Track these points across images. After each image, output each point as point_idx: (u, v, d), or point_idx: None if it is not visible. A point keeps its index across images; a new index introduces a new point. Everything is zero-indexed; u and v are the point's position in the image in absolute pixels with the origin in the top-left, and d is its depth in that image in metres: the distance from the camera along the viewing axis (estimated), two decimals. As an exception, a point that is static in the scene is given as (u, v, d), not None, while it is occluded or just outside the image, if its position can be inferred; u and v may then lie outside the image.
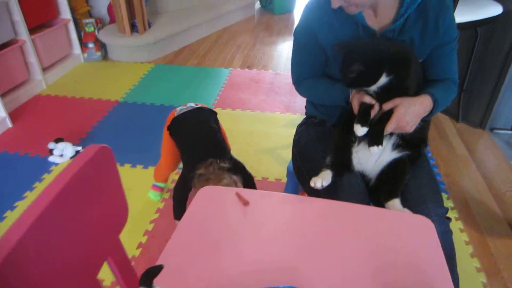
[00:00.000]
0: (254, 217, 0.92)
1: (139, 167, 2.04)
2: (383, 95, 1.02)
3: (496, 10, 1.95)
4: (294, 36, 1.23)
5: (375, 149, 1.01)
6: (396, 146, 1.09)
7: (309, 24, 1.16)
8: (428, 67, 1.15)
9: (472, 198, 1.89)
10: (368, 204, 1.10)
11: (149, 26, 3.34)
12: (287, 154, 1.88)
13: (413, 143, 1.10)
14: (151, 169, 1.99)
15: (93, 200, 0.82)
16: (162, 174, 1.80)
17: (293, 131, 1.37)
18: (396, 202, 1.04)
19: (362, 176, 1.13)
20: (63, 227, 0.72)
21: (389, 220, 0.92)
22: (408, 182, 1.10)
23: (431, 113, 1.07)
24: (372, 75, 1.00)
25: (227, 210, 0.95)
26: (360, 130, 1.01)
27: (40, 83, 2.80)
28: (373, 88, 1.02)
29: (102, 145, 0.84)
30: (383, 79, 1.00)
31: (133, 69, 3.14)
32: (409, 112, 0.99)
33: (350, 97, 1.09)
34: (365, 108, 1.03)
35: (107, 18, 3.60)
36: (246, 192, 0.99)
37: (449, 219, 1.08)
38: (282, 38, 3.86)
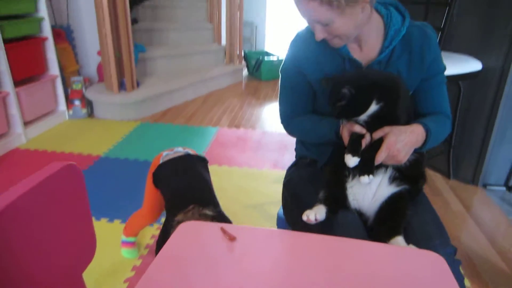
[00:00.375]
0: (241, 253, 0.80)
1: (116, 222, 1.88)
2: (374, 124, 0.98)
3: (476, 66, 2.02)
4: (280, 73, 1.21)
5: (366, 179, 0.95)
6: (392, 180, 1.01)
7: (295, 59, 1.14)
8: (418, 101, 1.13)
9: (476, 255, 1.76)
10: (367, 242, 0.99)
11: (137, 85, 3.36)
12: (275, 210, 1.76)
13: (410, 177, 1.03)
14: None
15: (52, 222, 0.70)
16: (138, 224, 1.63)
17: (282, 187, 1.28)
18: (399, 240, 0.93)
19: (359, 214, 1.03)
20: (10, 249, 0.60)
21: (394, 256, 0.81)
22: (409, 219, 1.00)
23: (425, 144, 1.01)
24: (362, 103, 0.96)
25: (211, 246, 0.82)
26: (351, 161, 0.95)
27: (20, 136, 2.70)
28: (363, 117, 0.98)
29: (69, 162, 0.74)
30: (373, 107, 0.96)
31: (119, 126, 3.09)
32: (400, 139, 0.94)
33: (340, 129, 1.03)
34: (356, 138, 0.97)
35: (95, 77, 3.63)
36: (232, 227, 0.88)
37: (459, 261, 0.97)
38: (269, 101, 3.93)
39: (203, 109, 3.59)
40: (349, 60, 1.08)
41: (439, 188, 2.33)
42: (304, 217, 0.94)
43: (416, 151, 1.02)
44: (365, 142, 0.97)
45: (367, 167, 0.95)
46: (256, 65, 4.76)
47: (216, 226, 0.88)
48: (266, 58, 4.76)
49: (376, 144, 0.95)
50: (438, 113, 1.11)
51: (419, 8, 2.04)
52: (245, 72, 4.99)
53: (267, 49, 5.73)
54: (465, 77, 2.00)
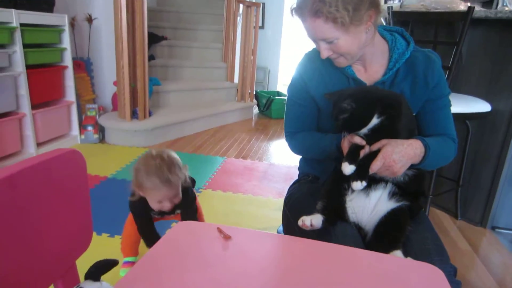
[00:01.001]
0: (235, 252, 0.80)
1: (117, 237, 1.88)
2: (374, 138, 1.00)
3: (485, 107, 2.03)
4: (287, 91, 1.26)
5: (358, 184, 0.95)
6: (392, 195, 1.02)
7: (301, 78, 1.19)
8: (422, 123, 1.14)
9: (482, 294, 1.69)
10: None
11: (150, 115, 3.45)
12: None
13: (410, 194, 1.03)
14: (128, 240, 1.84)
15: (50, 204, 0.71)
16: (131, 237, 1.62)
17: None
18: (397, 253, 0.93)
19: (358, 228, 1.03)
20: (8, 224, 0.61)
21: (390, 265, 0.79)
22: (409, 235, 0.99)
23: (424, 160, 1.01)
24: (364, 116, 0.99)
25: (205, 244, 0.82)
26: (348, 168, 0.96)
27: (32, 156, 2.75)
28: (364, 131, 1.00)
29: (73, 149, 0.77)
30: (375, 121, 0.98)
31: (128, 151, 3.14)
32: (396, 151, 0.95)
33: (342, 142, 1.06)
34: (355, 148, 0.99)
35: (110, 107, 3.75)
36: (228, 228, 0.88)
37: (459, 282, 0.94)
38: (278, 137, 3.97)
39: (212, 141, 3.64)
40: (353, 80, 1.11)
41: (446, 228, 2.28)
42: (300, 222, 0.94)
43: (414, 167, 1.03)
44: (363, 152, 0.98)
45: (361, 173, 0.96)
46: (267, 103, 4.86)
47: (212, 226, 0.88)
48: (277, 97, 4.87)
49: (373, 154, 0.96)
50: (442, 135, 1.12)
51: (428, 47, 2.10)
52: (256, 110, 5.09)
53: (278, 89, 5.88)
54: (473, 116, 2.00)
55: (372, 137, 1.00)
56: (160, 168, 1.31)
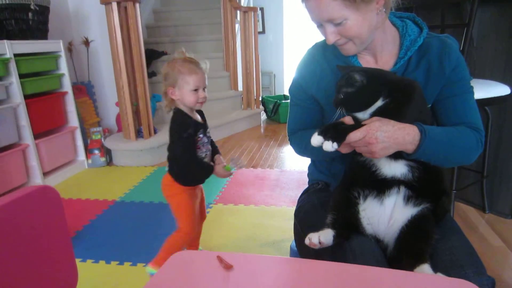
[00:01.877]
0: (238, 283, 0.70)
1: (126, 264, 1.79)
2: None
3: (504, 90, 1.89)
4: (289, 91, 1.18)
5: (328, 145, 0.83)
6: (408, 199, 0.89)
7: (302, 77, 1.11)
8: (438, 112, 1.01)
9: (522, 294, 1.55)
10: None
11: (155, 132, 3.39)
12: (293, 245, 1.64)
13: (430, 194, 0.90)
14: (139, 266, 1.76)
15: (23, 251, 0.62)
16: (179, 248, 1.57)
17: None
18: (425, 268, 0.81)
19: (377, 240, 0.91)
20: None
21: (419, 285, 0.68)
22: (436, 245, 0.87)
23: (418, 148, 0.87)
24: (369, 96, 0.88)
25: (205, 276, 0.73)
26: (315, 139, 0.86)
27: (38, 187, 2.71)
28: (365, 115, 0.89)
29: (45, 185, 0.68)
30: (379, 103, 0.87)
31: (136, 172, 3.08)
32: (383, 129, 0.83)
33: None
34: (336, 124, 0.88)
35: (115, 128, 3.70)
36: (229, 256, 0.78)
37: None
38: (288, 142, 3.86)
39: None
40: None
41: (474, 223, 2.13)
42: (307, 241, 0.83)
43: (411, 157, 0.89)
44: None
45: (336, 135, 0.84)
46: (274, 108, 4.77)
47: (211, 254, 0.78)
48: (283, 101, 4.77)
49: (358, 126, 0.85)
50: (460, 124, 0.98)
51: (435, 32, 1.97)
52: (263, 116, 5.00)
53: (285, 93, 5.78)
54: (492, 101, 1.86)
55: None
56: (188, 58, 1.43)
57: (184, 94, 1.41)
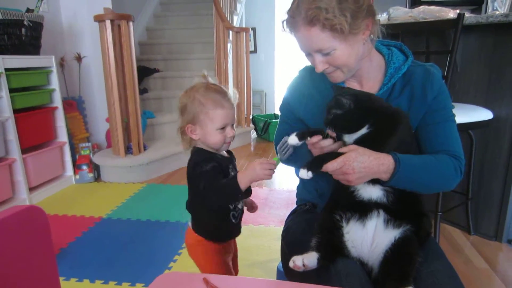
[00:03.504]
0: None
1: (111, 283, 1.76)
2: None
3: (486, 115, 1.95)
4: (279, 109, 1.22)
5: (303, 173, 0.88)
6: (387, 222, 0.91)
7: (288, 100, 1.16)
8: (420, 139, 1.04)
9: (506, 317, 1.56)
10: (373, 296, 0.87)
11: (145, 149, 3.39)
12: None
13: (408, 216, 0.92)
14: (125, 285, 1.74)
15: (4, 271, 0.62)
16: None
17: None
18: (409, 292, 0.82)
19: (362, 263, 0.93)
20: None
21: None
22: (419, 267, 0.89)
23: (392, 176, 0.90)
24: (356, 121, 0.91)
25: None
26: (304, 173, 0.89)
27: (24, 202, 2.67)
28: (349, 139, 0.92)
29: (32, 205, 0.69)
30: (363, 130, 0.91)
31: (125, 188, 3.05)
32: (359, 159, 0.86)
33: (310, 138, 0.96)
34: (322, 157, 0.91)
35: (104, 144, 3.68)
36: (215, 278, 0.78)
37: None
38: (278, 161, 3.88)
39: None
40: None
41: (459, 244, 2.15)
42: (291, 263, 0.84)
43: (387, 184, 0.92)
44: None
45: (313, 164, 0.89)
46: (264, 127, 4.81)
47: (197, 276, 0.79)
48: (274, 120, 4.81)
49: (336, 154, 0.88)
50: (441, 151, 1.00)
51: (420, 58, 2.04)
52: (254, 135, 5.03)
53: (275, 112, 5.84)
54: (475, 125, 1.91)
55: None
56: (213, 85, 1.10)
57: (208, 134, 1.10)
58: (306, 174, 0.87)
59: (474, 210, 2.24)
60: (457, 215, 2.31)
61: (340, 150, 0.90)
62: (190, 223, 1.23)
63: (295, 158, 1.06)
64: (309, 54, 0.98)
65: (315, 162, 0.89)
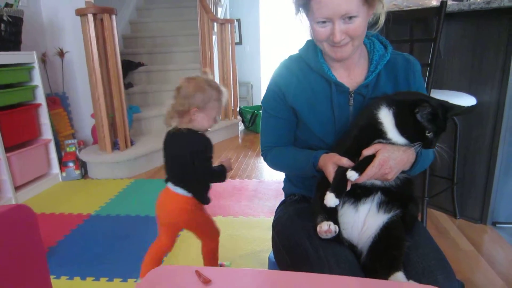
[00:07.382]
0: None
1: (103, 280, 1.75)
2: (364, 138, 0.94)
3: (470, 101, 1.98)
4: (262, 104, 1.20)
5: (353, 173, 0.88)
6: (380, 205, 0.94)
7: (278, 88, 1.13)
8: None
9: (492, 297, 1.61)
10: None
11: (132, 144, 3.36)
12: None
13: (400, 200, 0.95)
14: (116, 281, 1.73)
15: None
16: (160, 257, 1.60)
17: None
18: (399, 276, 0.84)
19: (351, 246, 0.95)
20: None
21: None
22: (408, 251, 0.91)
23: (413, 167, 0.97)
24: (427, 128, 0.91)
25: (181, 291, 0.73)
26: (332, 201, 0.89)
27: (10, 201, 2.63)
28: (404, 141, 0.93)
29: (20, 204, 0.68)
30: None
31: (112, 184, 3.03)
32: (392, 157, 0.89)
33: (321, 160, 0.99)
34: (342, 177, 0.90)
35: (90, 140, 3.64)
36: (208, 270, 0.79)
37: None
38: (266, 152, 3.89)
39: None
40: (335, 85, 1.06)
41: (445, 228, 2.20)
42: (319, 228, 0.89)
43: (402, 172, 0.97)
44: (350, 184, 0.91)
45: (360, 165, 0.90)
46: (252, 118, 4.80)
47: (189, 269, 0.79)
48: (261, 111, 4.81)
49: (368, 159, 0.89)
50: None
51: (404, 46, 2.06)
52: (241, 127, 5.02)
53: (262, 103, 5.83)
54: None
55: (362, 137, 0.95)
56: (214, 84, 1.44)
57: (205, 119, 1.41)
58: (355, 174, 0.88)
59: (459, 194, 2.29)
60: (443, 200, 2.36)
61: (365, 152, 0.91)
62: (177, 191, 1.53)
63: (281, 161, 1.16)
64: (329, 22, 0.94)
65: (361, 164, 0.90)
